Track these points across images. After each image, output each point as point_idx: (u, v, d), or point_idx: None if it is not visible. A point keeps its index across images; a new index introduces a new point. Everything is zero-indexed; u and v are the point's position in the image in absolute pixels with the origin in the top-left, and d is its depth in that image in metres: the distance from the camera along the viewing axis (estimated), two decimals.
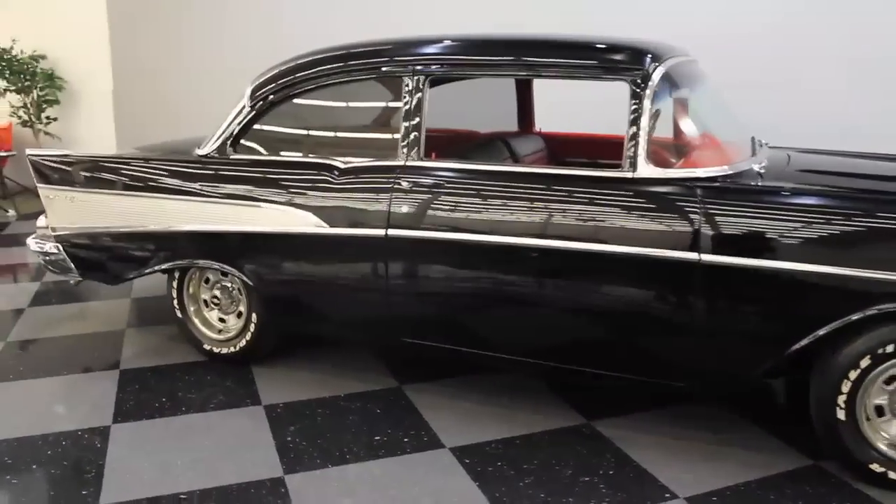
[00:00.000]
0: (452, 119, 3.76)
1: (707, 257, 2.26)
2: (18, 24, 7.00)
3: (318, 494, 2.26)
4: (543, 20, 4.60)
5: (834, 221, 2.18)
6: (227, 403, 2.85)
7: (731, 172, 2.41)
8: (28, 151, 3.40)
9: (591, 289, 2.45)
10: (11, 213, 6.39)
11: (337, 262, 2.80)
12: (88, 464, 2.40)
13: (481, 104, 3.70)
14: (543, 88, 3.56)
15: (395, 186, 2.66)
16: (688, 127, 2.52)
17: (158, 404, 2.83)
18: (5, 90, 6.77)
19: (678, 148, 2.47)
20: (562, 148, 3.58)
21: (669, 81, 2.50)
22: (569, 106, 3.64)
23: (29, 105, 6.86)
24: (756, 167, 2.50)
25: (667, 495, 2.25)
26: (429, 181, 2.64)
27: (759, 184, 2.38)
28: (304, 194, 2.80)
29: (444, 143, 3.52)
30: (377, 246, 2.68)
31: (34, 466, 2.40)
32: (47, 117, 6.95)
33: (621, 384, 2.55)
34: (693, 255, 2.27)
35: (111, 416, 2.73)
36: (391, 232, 2.65)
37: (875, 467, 2.25)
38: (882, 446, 2.25)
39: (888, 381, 2.24)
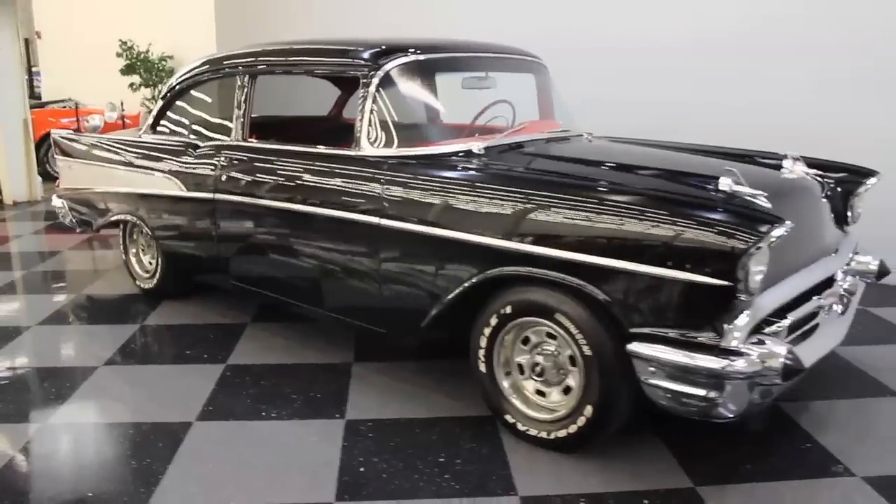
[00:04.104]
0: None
1: (384, 221, 2.70)
2: (154, 27, 8.70)
3: (110, 380, 3.08)
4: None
5: (468, 193, 2.50)
6: (122, 320, 3.79)
7: (436, 153, 2.78)
8: (53, 132, 4.64)
9: (322, 246, 2.97)
10: None
11: (189, 218, 3.59)
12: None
13: None
14: None
15: (220, 161, 3.38)
16: (414, 114, 2.92)
17: (77, 317, 3.86)
18: (140, 85, 8.52)
19: (403, 130, 2.87)
20: None
21: (404, 76, 2.92)
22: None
23: (155, 97, 8.54)
24: (475, 149, 2.83)
25: (336, 416, 2.73)
26: (238, 157, 3.32)
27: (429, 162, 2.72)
28: (175, 166, 3.63)
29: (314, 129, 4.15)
30: (209, 206, 3.43)
31: None
32: None
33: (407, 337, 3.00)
34: (375, 220, 2.72)
35: (41, 321, 3.79)
36: (217, 195, 3.38)
37: (508, 418, 2.54)
38: (512, 399, 2.52)
39: (524, 342, 2.50)
